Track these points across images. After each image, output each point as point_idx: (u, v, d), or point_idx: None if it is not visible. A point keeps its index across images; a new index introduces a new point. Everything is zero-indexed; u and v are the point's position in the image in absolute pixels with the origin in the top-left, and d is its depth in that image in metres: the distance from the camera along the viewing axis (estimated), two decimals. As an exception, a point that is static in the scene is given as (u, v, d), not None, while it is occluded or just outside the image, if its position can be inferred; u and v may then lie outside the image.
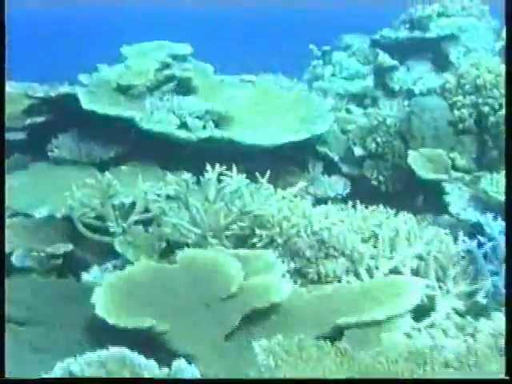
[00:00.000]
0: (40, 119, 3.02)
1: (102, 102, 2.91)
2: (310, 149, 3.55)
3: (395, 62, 5.12)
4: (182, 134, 2.88)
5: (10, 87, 3.13)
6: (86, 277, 2.40)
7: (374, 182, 3.32)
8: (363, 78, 5.12)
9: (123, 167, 3.04)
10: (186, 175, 2.42)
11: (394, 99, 5.23)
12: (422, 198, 3.26)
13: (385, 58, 5.13)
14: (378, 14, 6.58)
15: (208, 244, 2.41)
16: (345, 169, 3.53)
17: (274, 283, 2.14)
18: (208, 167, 2.49)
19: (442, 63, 5.19)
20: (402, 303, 1.96)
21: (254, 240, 2.44)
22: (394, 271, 2.25)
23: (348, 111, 4.73)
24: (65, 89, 3.02)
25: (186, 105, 3.21)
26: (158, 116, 3.00)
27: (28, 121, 3.01)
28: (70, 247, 2.42)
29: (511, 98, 2.60)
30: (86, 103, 2.86)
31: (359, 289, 2.14)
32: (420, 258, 2.34)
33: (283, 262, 2.34)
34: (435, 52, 5.22)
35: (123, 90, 3.18)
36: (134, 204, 2.63)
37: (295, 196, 2.67)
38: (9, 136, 3.21)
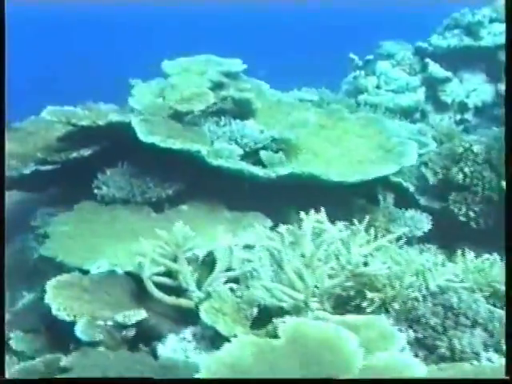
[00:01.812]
0: (87, 152, 2.67)
1: (161, 132, 2.58)
2: (380, 179, 3.24)
3: (449, 73, 4.83)
4: (258, 170, 2.55)
5: (47, 113, 2.79)
6: (162, 350, 2.07)
7: (462, 218, 3.01)
8: (414, 90, 4.82)
9: (184, 207, 2.71)
10: (282, 228, 2.09)
11: (444, 113, 4.96)
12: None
13: (436, 69, 4.84)
14: (416, 18, 6.28)
15: (308, 309, 2.08)
16: (423, 201, 3.22)
17: (403, 363, 1.82)
18: (302, 214, 2.16)
19: (497, 73, 4.90)
20: None
21: (361, 303, 2.13)
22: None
23: (399, 128, 4.42)
24: (115, 117, 2.68)
25: (249, 132, 2.90)
26: (220, 146, 2.68)
27: (74, 154, 2.66)
28: (143, 315, 2.09)
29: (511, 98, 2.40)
30: (145, 135, 2.53)
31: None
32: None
33: (400, 330, 2.03)
34: (490, 61, 4.94)
35: (179, 117, 2.84)
36: (209, 256, 2.30)
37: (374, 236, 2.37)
38: (45, 169, 2.89)
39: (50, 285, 2.24)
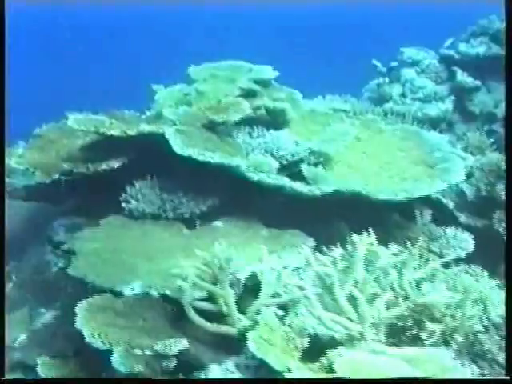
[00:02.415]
0: (116, 164, 2.54)
1: (197, 144, 2.45)
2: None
3: (477, 83, 4.72)
4: (302, 187, 2.42)
5: (73, 122, 2.66)
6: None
7: (507, 238, 2.88)
8: (441, 100, 4.70)
9: (218, 223, 2.58)
10: (336, 251, 1.96)
11: (471, 123, 4.84)
12: None
13: (465, 78, 4.72)
14: (437, 24, 6.16)
15: (362, 339, 1.96)
16: (463, 219, 3.09)
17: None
18: (355, 237, 2.04)
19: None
20: None
21: (418, 333, 2.01)
22: None
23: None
24: (147, 127, 2.55)
25: (285, 144, 2.77)
26: (259, 160, 2.55)
27: (103, 166, 2.53)
28: (184, 344, 1.96)
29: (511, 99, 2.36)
30: (181, 147, 2.40)
31: None
32: None
33: (463, 365, 1.91)
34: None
35: (213, 127, 2.72)
36: (252, 279, 2.17)
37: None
38: (67, 179, 2.76)
39: (82, 308, 2.11)
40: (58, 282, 2.98)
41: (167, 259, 2.35)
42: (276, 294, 2.07)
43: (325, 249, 2.41)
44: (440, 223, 3.06)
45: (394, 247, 2.15)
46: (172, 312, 2.14)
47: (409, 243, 2.19)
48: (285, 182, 2.42)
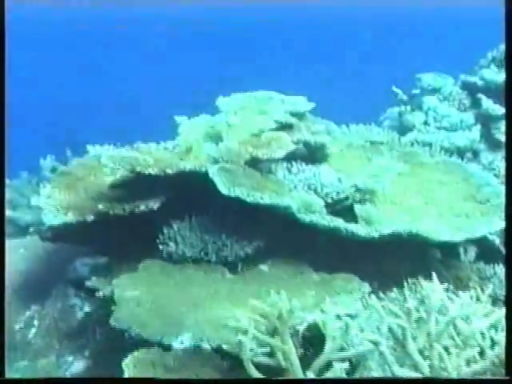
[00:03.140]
0: (156, 204, 2.43)
1: (244, 184, 2.34)
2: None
3: (504, 110, 4.65)
4: (358, 229, 2.31)
5: (107, 160, 2.56)
6: None
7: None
8: (468, 128, 4.62)
9: (263, 267, 2.46)
10: (410, 302, 1.84)
11: (498, 152, 4.77)
12: None
13: (492, 105, 4.65)
14: (455, 50, 6.14)
15: (439, 398, 1.84)
16: (511, 256, 2.99)
17: None
18: (426, 285, 1.93)
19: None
20: None
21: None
22: None
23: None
24: (188, 165, 2.44)
25: (328, 181, 2.67)
26: (309, 199, 2.45)
27: (142, 207, 2.42)
28: (246, 404, 1.83)
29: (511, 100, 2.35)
30: (227, 187, 2.29)
31: None
32: None
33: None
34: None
35: (256, 164, 2.62)
36: (311, 331, 2.05)
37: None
38: (102, 220, 2.64)
39: (128, 364, 1.97)
40: (85, 328, 2.86)
41: (215, 307, 2.23)
42: (342, 347, 1.95)
43: (381, 294, 2.31)
44: (487, 261, 2.96)
45: (463, 294, 2.03)
46: (225, 366, 2.00)
47: (478, 288, 2.09)
48: (339, 223, 2.32)
